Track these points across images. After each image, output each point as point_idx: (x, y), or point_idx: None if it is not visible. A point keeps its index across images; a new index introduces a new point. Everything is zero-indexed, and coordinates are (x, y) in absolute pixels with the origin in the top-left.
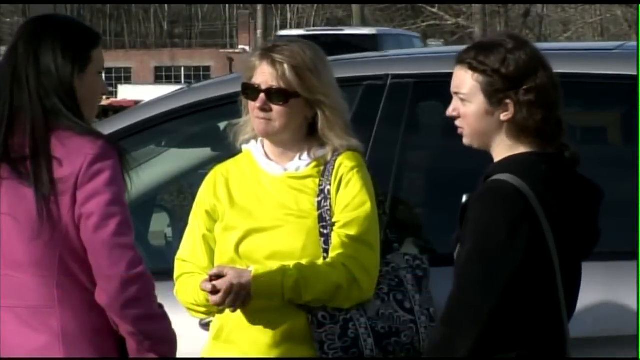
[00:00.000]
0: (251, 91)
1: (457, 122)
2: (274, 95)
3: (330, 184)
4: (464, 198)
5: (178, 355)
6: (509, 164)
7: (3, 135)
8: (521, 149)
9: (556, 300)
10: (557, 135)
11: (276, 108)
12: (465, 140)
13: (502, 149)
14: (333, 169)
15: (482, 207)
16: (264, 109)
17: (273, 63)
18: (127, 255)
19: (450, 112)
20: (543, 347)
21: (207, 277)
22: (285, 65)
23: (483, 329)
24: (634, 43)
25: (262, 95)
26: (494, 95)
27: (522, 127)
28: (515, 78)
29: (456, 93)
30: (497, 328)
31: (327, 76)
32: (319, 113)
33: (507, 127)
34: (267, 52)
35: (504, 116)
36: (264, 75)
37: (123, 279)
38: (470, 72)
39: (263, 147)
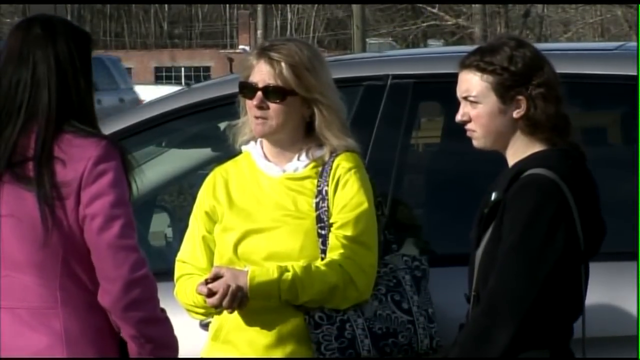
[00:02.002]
0: (248, 90)
1: (468, 126)
2: (271, 93)
3: (327, 185)
4: (493, 195)
5: (179, 355)
6: (539, 158)
7: (14, 139)
8: (537, 147)
9: (579, 296)
10: (568, 129)
11: (273, 106)
12: (477, 143)
13: (518, 147)
14: (331, 169)
15: (523, 201)
16: (261, 107)
17: (270, 61)
18: (131, 257)
19: (459, 117)
20: (568, 345)
21: (203, 280)
22: (283, 64)
23: (522, 323)
24: (634, 43)
25: (259, 93)
26: (506, 93)
27: (536, 122)
28: (524, 74)
29: (465, 97)
30: (534, 322)
31: (324, 75)
32: (316, 112)
33: (521, 125)
34: (265, 51)
35: (516, 113)
36: (261, 74)
37: (126, 281)
38: (479, 74)
39: (262, 148)
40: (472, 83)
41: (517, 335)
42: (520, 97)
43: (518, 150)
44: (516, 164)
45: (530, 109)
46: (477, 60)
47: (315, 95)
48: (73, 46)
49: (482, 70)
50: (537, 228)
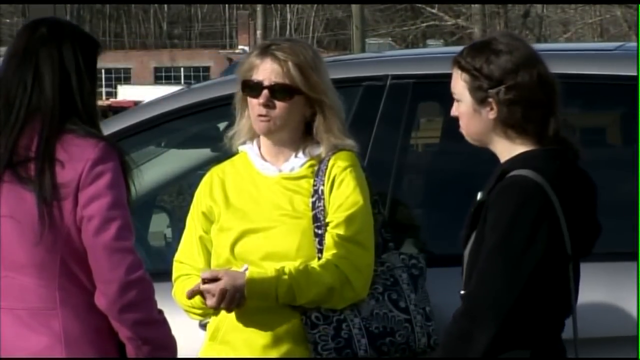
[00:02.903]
0: (252, 88)
1: (460, 122)
2: (278, 91)
3: (323, 184)
4: (479, 195)
5: (178, 356)
6: (525, 159)
7: (14, 138)
8: (523, 147)
9: (568, 297)
10: (543, 133)
11: (279, 104)
12: (467, 139)
13: (502, 146)
14: (326, 169)
15: (504, 203)
16: (267, 105)
17: (277, 60)
18: (127, 260)
19: (452, 112)
20: (555, 345)
21: (200, 281)
22: (290, 63)
23: (503, 324)
24: (634, 43)
25: (265, 91)
26: (478, 94)
27: (507, 125)
28: (495, 77)
29: (453, 93)
30: (515, 323)
31: (326, 76)
32: (318, 112)
33: (497, 125)
34: (269, 50)
35: (490, 115)
36: (266, 72)
37: (122, 283)
38: (459, 72)
39: (259, 148)
40: (455, 80)
41: (497, 336)
42: (490, 100)
43: (504, 149)
44: (502, 164)
45: (500, 112)
46: (462, 59)
47: (319, 95)
48: (78, 48)
49: (462, 69)
50: (518, 230)
